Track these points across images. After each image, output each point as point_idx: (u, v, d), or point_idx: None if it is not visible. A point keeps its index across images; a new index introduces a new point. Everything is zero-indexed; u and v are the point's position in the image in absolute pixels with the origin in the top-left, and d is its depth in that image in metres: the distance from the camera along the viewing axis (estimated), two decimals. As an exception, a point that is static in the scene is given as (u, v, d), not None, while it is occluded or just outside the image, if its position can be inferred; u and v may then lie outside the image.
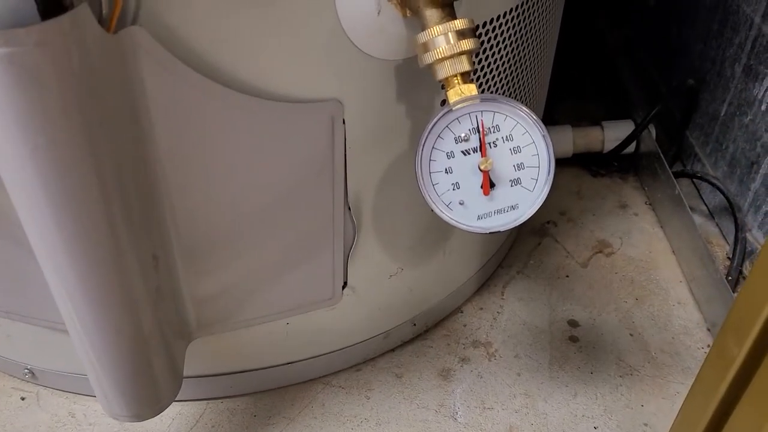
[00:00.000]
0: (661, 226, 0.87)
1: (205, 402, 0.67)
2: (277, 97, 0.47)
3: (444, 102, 0.53)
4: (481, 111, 0.46)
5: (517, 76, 0.60)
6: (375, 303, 0.66)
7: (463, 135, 0.46)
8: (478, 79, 0.55)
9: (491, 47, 0.54)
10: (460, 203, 0.47)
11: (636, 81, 1.04)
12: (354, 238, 0.58)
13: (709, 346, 0.72)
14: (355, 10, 0.45)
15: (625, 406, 0.67)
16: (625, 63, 1.09)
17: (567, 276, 0.80)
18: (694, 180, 0.89)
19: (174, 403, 0.55)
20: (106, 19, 0.39)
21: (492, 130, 0.46)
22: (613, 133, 0.92)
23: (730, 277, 0.75)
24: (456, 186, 0.47)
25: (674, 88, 0.93)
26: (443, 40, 0.44)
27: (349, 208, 0.56)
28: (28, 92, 0.36)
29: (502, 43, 0.55)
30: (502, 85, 0.58)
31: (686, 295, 0.78)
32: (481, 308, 0.76)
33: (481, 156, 0.46)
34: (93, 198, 0.41)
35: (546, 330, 0.74)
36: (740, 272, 0.75)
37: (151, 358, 0.50)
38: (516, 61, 0.58)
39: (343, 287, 0.61)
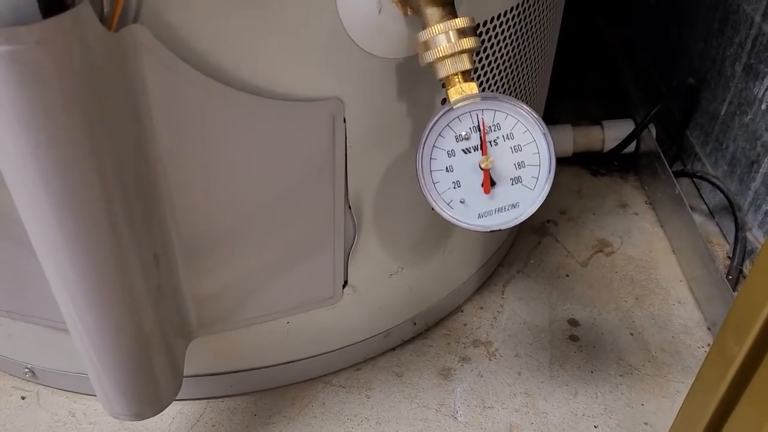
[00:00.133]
0: (662, 226, 0.87)
1: (206, 401, 0.67)
2: (278, 96, 0.47)
3: (445, 100, 0.53)
4: (482, 109, 0.46)
5: (517, 75, 0.60)
6: (375, 302, 0.66)
7: (463, 133, 0.46)
8: (478, 77, 0.55)
9: (492, 46, 0.54)
10: (460, 202, 0.47)
11: (636, 80, 1.04)
12: (354, 237, 0.58)
13: (709, 345, 0.72)
14: (355, 9, 0.45)
15: (626, 405, 0.67)
16: (626, 62, 1.09)
17: (567, 275, 0.80)
18: (695, 179, 0.89)
19: (174, 402, 0.55)
20: (108, 18, 0.39)
21: (493, 128, 0.46)
22: (614, 133, 0.92)
23: (730, 277, 0.75)
24: (457, 184, 0.47)
25: (674, 88, 0.93)
26: (444, 39, 0.44)
27: (350, 207, 0.56)
28: (29, 90, 0.36)
29: (503, 41, 0.55)
30: (503, 84, 0.58)
31: (686, 294, 0.78)
32: (482, 307, 0.76)
33: (482, 154, 0.46)
34: (94, 196, 0.41)
35: (546, 329, 0.74)
36: (740, 271, 0.76)
37: (152, 357, 0.50)
38: (516, 59, 0.58)
39: (344, 286, 0.61)
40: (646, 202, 0.90)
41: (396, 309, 0.69)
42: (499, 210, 0.48)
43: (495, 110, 0.46)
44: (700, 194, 0.88)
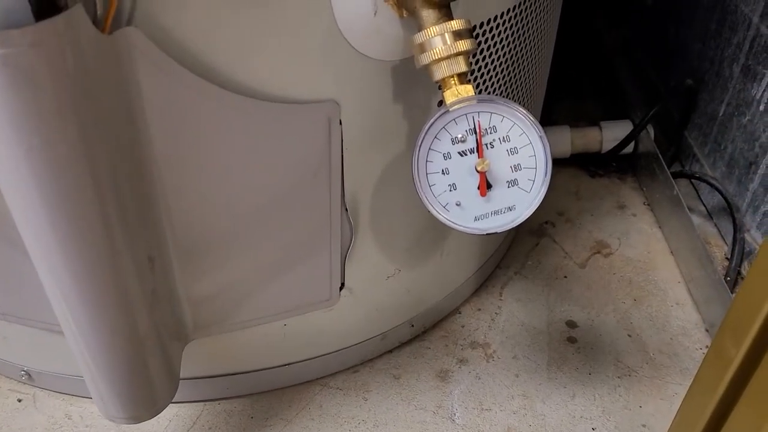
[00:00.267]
0: (660, 227, 0.86)
1: (202, 404, 0.67)
2: (274, 98, 0.47)
3: (441, 103, 0.53)
4: (478, 112, 0.46)
5: (514, 77, 0.60)
6: (372, 304, 0.66)
7: (459, 136, 0.46)
8: (475, 79, 0.55)
9: (488, 48, 0.54)
10: (456, 204, 0.47)
11: (634, 81, 1.04)
12: (351, 240, 0.58)
13: (707, 346, 0.72)
14: (351, 11, 0.45)
15: (624, 407, 0.66)
16: (623, 63, 1.09)
17: (565, 277, 0.80)
18: (693, 180, 0.89)
19: (171, 404, 0.55)
20: (101, 20, 0.39)
21: (489, 131, 0.46)
22: (612, 134, 0.92)
23: (728, 278, 0.75)
24: (453, 187, 0.47)
25: (672, 89, 0.93)
26: (440, 41, 0.44)
27: (346, 209, 0.56)
28: (22, 93, 0.36)
29: (500, 43, 0.55)
30: (500, 86, 0.58)
31: (685, 295, 0.77)
32: (479, 309, 0.76)
33: (478, 157, 0.46)
34: (88, 199, 0.40)
35: (544, 331, 0.74)
36: (738, 273, 0.75)
37: (147, 360, 0.50)
38: (513, 61, 0.58)
39: (341, 288, 0.61)
40: (644, 203, 0.90)
41: (393, 311, 0.69)
42: (496, 213, 0.48)
43: (491, 113, 0.46)
44: (699, 195, 0.88)
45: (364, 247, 0.60)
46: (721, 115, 0.82)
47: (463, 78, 0.45)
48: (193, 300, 0.55)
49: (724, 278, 0.73)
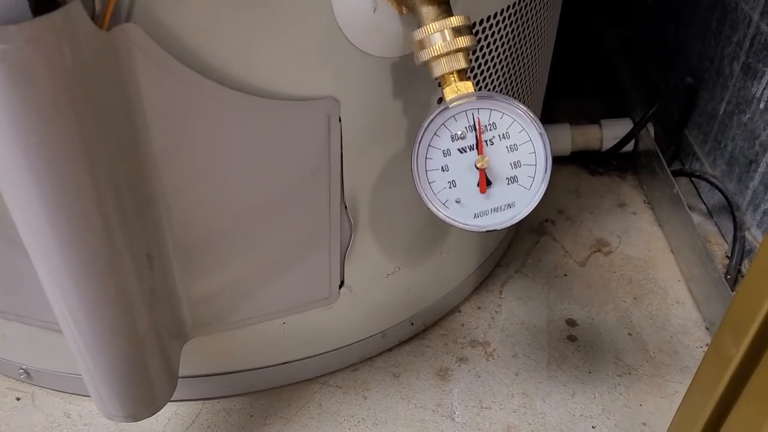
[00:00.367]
0: (660, 225, 0.86)
1: (201, 402, 0.67)
2: (273, 95, 0.47)
3: (440, 99, 0.52)
4: (478, 108, 0.46)
5: (514, 74, 0.60)
6: (372, 302, 0.66)
7: (459, 133, 0.46)
8: (475, 76, 0.55)
9: (488, 44, 0.54)
10: (456, 201, 0.47)
11: (634, 79, 1.04)
12: (351, 238, 0.58)
13: (707, 345, 0.72)
14: (350, 7, 0.45)
15: (624, 405, 0.66)
16: (624, 61, 1.08)
17: (565, 275, 0.80)
18: (693, 179, 0.89)
19: (170, 403, 0.55)
20: (99, 16, 0.38)
21: (488, 127, 0.46)
22: (612, 132, 0.91)
23: (728, 276, 0.75)
24: (452, 184, 0.47)
25: (673, 87, 0.93)
26: (439, 38, 0.44)
27: (346, 207, 0.55)
28: (20, 90, 0.35)
29: (500, 40, 0.55)
30: (499, 83, 0.58)
31: (685, 294, 0.77)
32: (479, 307, 0.76)
33: (478, 154, 0.46)
34: (86, 197, 0.40)
35: (544, 329, 0.74)
36: (739, 271, 0.75)
37: (146, 359, 0.50)
38: (513, 58, 0.58)
39: (340, 287, 0.61)
40: (644, 202, 0.90)
41: (393, 309, 0.68)
42: (495, 210, 0.47)
43: (491, 109, 0.46)
44: (699, 194, 0.88)
45: (363, 245, 0.59)
46: (721, 113, 0.82)
47: (462, 75, 0.45)
48: (192, 298, 0.55)
49: (725, 276, 0.73)
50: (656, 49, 1.01)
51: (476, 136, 0.46)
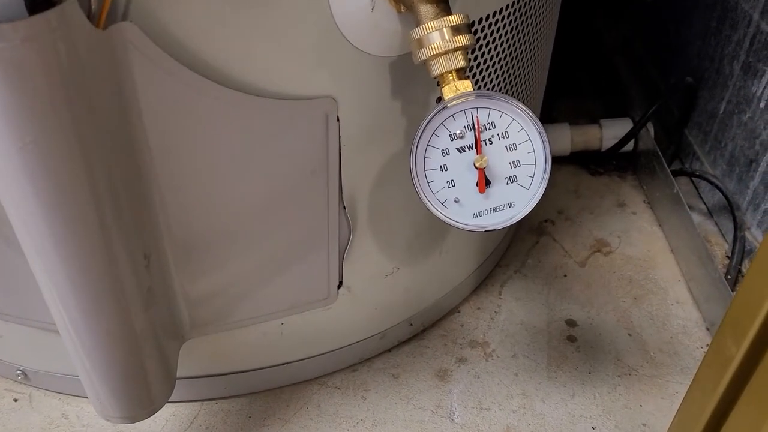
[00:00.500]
0: (660, 225, 0.86)
1: (200, 403, 0.67)
2: (270, 94, 0.46)
3: (439, 99, 0.52)
4: (477, 108, 0.45)
5: (513, 73, 0.59)
6: (371, 303, 0.66)
7: (458, 132, 0.46)
8: (473, 75, 0.55)
9: (487, 43, 0.54)
10: (455, 201, 0.47)
11: (634, 79, 1.04)
12: (349, 238, 0.58)
13: (707, 345, 0.71)
14: (349, 6, 0.45)
15: (624, 406, 0.66)
16: (624, 61, 1.08)
17: (565, 275, 0.79)
18: (693, 178, 0.88)
19: (168, 404, 0.54)
20: (96, 15, 0.38)
21: (487, 127, 0.46)
22: (612, 131, 0.91)
23: (729, 276, 0.74)
24: (451, 184, 0.47)
25: (672, 86, 0.93)
26: (438, 36, 0.43)
27: (344, 207, 0.55)
28: (15, 88, 0.35)
29: (499, 39, 0.55)
30: (499, 82, 0.58)
31: (685, 294, 0.77)
32: (479, 308, 0.76)
33: (477, 153, 0.46)
34: (82, 196, 0.40)
35: (544, 330, 0.73)
36: (739, 271, 0.75)
37: (144, 360, 0.50)
38: (512, 57, 0.58)
39: (339, 287, 0.61)
40: (644, 202, 0.90)
41: (392, 310, 0.68)
42: (494, 209, 0.47)
43: (490, 108, 0.46)
44: (699, 193, 0.88)
45: (362, 245, 0.59)
46: (721, 112, 0.82)
47: (461, 73, 0.45)
48: (189, 299, 0.55)
49: (725, 276, 0.73)
50: (656, 49, 1.01)
51: (475, 136, 0.46)
